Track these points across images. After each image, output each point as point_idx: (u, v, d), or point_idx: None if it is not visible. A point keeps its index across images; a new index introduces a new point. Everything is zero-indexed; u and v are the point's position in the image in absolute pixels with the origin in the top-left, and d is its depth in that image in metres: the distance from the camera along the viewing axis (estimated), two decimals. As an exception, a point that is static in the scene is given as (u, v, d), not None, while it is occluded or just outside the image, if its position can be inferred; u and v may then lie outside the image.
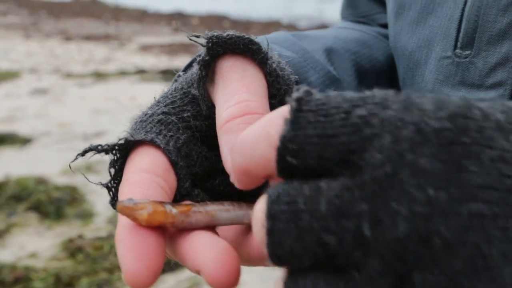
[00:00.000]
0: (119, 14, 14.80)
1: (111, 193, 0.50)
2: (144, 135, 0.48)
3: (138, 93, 6.66)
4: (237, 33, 0.50)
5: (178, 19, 12.90)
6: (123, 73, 8.05)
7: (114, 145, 0.48)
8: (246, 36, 0.50)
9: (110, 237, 3.45)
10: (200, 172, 0.51)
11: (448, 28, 0.60)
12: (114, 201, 0.50)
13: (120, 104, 6.33)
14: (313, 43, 0.72)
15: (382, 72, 0.77)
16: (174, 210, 0.44)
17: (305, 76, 0.65)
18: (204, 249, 0.41)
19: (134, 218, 0.42)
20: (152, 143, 0.48)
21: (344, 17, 0.91)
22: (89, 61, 9.05)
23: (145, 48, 10.16)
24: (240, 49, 0.49)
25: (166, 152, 0.47)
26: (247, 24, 11.90)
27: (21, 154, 4.89)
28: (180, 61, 9.07)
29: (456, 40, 0.59)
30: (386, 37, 0.82)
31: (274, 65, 0.50)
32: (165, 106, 0.52)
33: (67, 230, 3.62)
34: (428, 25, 0.63)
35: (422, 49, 0.64)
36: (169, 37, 10.90)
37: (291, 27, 11.61)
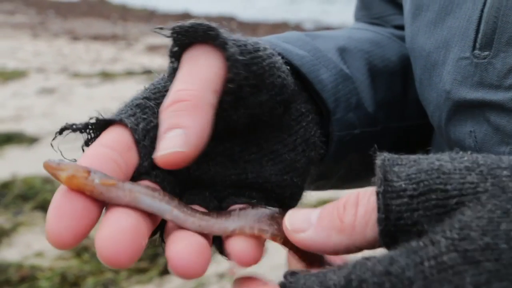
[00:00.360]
0: (127, 14, 14.84)
1: None
2: (117, 115, 0.50)
3: (145, 94, 6.66)
4: (199, 21, 0.52)
5: (185, 19, 12.92)
6: (130, 73, 8.06)
7: (87, 124, 0.51)
8: (205, 23, 0.51)
9: (116, 237, 3.45)
10: None
11: (466, 29, 0.60)
12: None
13: (127, 104, 6.34)
14: (326, 43, 0.72)
15: (395, 72, 0.76)
16: (96, 180, 0.45)
17: (316, 74, 0.65)
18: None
19: (56, 178, 0.45)
20: (121, 123, 0.50)
21: (358, 18, 0.91)
22: (96, 61, 9.07)
23: (153, 49, 10.18)
24: (199, 37, 0.51)
25: (132, 131, 0.50)
26: (254, 26, 11.90)
27: (28, 153, 4.90)
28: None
29: (475, 41, 0.59)
30: (400, 38, 0.82)
31: (232, 50, 0.51)
32: (147, 91, 0.54)
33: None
34: (446, 26, 0.63)
35: (440, 50, 0.63)
36: (176, 37, 10.91)
37: (298, 28, 11.60)
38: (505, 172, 0.38)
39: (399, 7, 0.84)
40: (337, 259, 0.46)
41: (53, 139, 0.51)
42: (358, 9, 0.91)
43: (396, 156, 0.42)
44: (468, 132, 0.59)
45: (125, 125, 0.50)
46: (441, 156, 0.41)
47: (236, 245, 0.47)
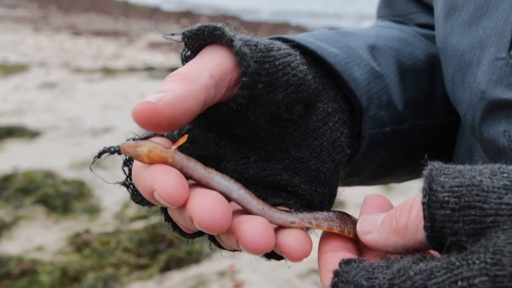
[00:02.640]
0: (129, 10, 14.83)
1: (130, 189, 0.57)
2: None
3: (147, 90, 6.67)
4: (205, 24, 0.55)
5: (187, 17, 12.91)
6: (132, 70, 8.06)
7: None
8: (212, 24, 0.54)
9: (117, 232, 3.46)
10: (207, 155, 0.57)
11: (503, 30, 0.61)
12: (135, 196, 0.57)
13: (128, 100, 6.34)
14: (356, 40, 0.73)
15: (423, 70, 0.78)
16: (172, 147, 0.50)
17: (350, 71, 0.67)
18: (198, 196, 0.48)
19: (136, 155, 0.48)
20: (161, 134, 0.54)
21: (381, 16, 0.91)
22: (98, 57, 9.07)
23: (154, 46, 10.18)
24: (207, 38, 0.54)
25: (171, 137, 0.55)
26: (256, 25, 11.90)
27: (30, 147, 4.90)
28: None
29: (511, 42, 0.59)
30: (425, 36, 0.82)
31: (239, 45, 0.54)
32: None
33: (74, 224, 3.63)
34: (482, 26, 0.64)
35: (475, 50, 0.64)
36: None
37: (299, 28, 11.60)
38: None
39: (423, 5, 0.85)
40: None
41: (92, 163, 0.55)
42: (381, 6, 0.91)
43: (444, 165, 0.45)
44: (502, 132, 0.60)
45: (163, 135, 0.54)
46: (484, 169, 0.44)
47: (289, 237, 0.51)
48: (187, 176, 0.49)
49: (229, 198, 0.51)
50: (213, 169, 0.51)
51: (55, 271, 3.04)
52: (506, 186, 0.42)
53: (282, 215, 0.53)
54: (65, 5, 15.57)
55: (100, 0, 16.39)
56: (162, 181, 0.47)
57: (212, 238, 0.57)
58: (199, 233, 0.57)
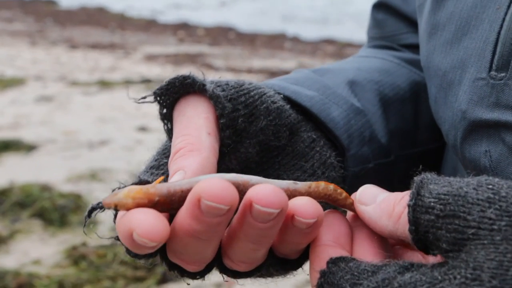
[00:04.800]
0: (125, 23, 14.86)
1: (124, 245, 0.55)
2: (137, 179, 0.56)
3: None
4: (174, 76, 0.57)
5: (183, 29, 12.95)
6: (128, 82, 8.07)
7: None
8: (180, 75, 0.56)
9: (114, 245, 3.45)
10: None
11: (483, 50, 0.61)
12: (129, 250, 0.55)
13: (125, 113, 6.34)
14: (335, 77, 0.74)
15: (406, 99, 0.78)
16: (153, 187, 0.48)
17: (327, 112, 0.67)
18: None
19: (118, 202, 0.47)
20: (146, 181, 0.55)
21: (371, 36, 0.91)
22: (94, 70, 9.08)
23: (151, 58, 10.19)
24: (179, 89, 0.56)
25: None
26: (252, 36, 11.93)
27: (26, 161, 4.90)
28: (185, 71, 9.05)
29: (491, 62, 0.60)
30: (409, 62, 0.83)
31: (211, 88, 0.56)
32: (158, 154, 0.60)
33: (71, 237, 3.63)
34: (463, 46, 0.64)
35: (456, 70, 0.64)
36: (175, 47, 10.93)
37: (296, 39, 11.63)
38: None
39: (413, 25, 0.85)
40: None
41: (84, 225, 0.54)
42: (371, 27, 0.92)
43: (436, 176, 0.47)
44: (483, 152, 0.61)
45: (149, 182, 0.55)
46: (471, 180, 0.45)
47: (299, 199, 0.50)
48: (181, 198, 0.49)
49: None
50: (199, 176, 0.51)
51: (52, 284, 3.04)
52: (490, 199, 0.43)
53: (284, 181, 0.53)
54: (62, 18, 15.60)
55: (96, 13, 16.43)
56: (140, 220, 0.46)
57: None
58: (207, 269, 0.56)
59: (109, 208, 0.48)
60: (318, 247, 0.52)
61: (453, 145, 0.65)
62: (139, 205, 0.47)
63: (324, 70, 0.76)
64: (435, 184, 0.46)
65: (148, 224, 0.46)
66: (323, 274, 0.48)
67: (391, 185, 0.78)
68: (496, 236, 0.42)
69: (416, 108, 0.79)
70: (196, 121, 0.55)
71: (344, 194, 0.54)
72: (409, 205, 0.46)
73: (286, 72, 0.77)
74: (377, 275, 0.45)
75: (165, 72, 8.86)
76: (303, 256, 0.57)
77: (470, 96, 0.61)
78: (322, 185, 0.53)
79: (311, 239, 0.53)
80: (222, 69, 9.26)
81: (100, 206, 0.53)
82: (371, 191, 0.53)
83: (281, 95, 0.62)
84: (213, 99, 0.56)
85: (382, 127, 0.73)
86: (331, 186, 0.54)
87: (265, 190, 0.46)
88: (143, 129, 5.68)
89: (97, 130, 5.74)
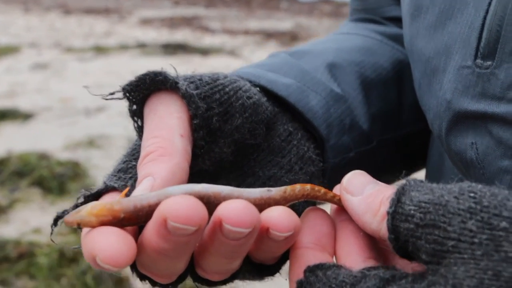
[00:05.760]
0: (119, -13, 14.66)
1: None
2: (103, 185, 0.52)
3: (139, 67, 6.57)
4: (145, 72, 0.52)
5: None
6: (124, 47, 8.00)
7: (76, 205, 0.51)
8: (151, 71, 0.52)
9: (114, 212, 3.46)
10: None
11: (468, 36, 0.56)
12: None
13: (121, 78, 6.24)
14: (314, 60, 0.70)
15: (389, 79, 0.74)
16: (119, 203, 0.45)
17: (305, 101, 0.64)
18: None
19: (81, 220, 0.44)
20: (113, 189, 0.51)
21: (353, 8, 0.87)
22: (89, 35, 8.99)
23: (146, 22, 10.09)
24: (150, 86, 0.52)
25: (122, 190, 0.51)
26: (248, -3, 11.78)
27: (23, 130, 4.88)
28: (181, 34, 8.99)
29: (477, 49, 0.55)
30: (392, 38, 0.79)
31: (184, 87, 0.52)
32: (127, 155, 0.56)
33: (70, 205, 3.62)
34: (447, 31, 0.59)
35: (441, 56, 0.60)
36: (170, 10, 10.82)
37: (292, 0, 11.50)
38: (503, 224, 0.39)
39: None
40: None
41: (51, 233, 0.51)
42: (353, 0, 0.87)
43: (419, 183, 0.44)
44: (469, 144, 0.57)
45: (115, 189, 0.51)
46: (453, 188, 0.42)
47: (273, 211, 0.47)
48: (148, 213, 0.45)
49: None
50: (167, 187, 0.48)
51: (52, 253, 3.04)
52: (471, 209, 0.40)
53: (257, 189, 0.50)
54: (55, -17, 15.39)
55: (89, -22, 16.19)
56: (102, 244, 0.42)
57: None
58: (180, 279, 0.53)
59: (72, 226, 0.45)
60: (297, 249, 0.49)
61: (438, 135, 0.62)
62: (103, 223, 0.44)
63: (302, 52, 0.72)
64: (417, 191, 0.43)
65: (111, 249, 0.42)
66: (299, 284, 0.45)
67: (374, 173, 0.75)
68: (476, 250, 0.39)
69: (399, 89, 0.75)
70: (168, 122, 0.51)
71: (323, 190, 0.51)
72: (388, 212, 0.43)
73: (282, 33, 0.73)
74: (358, 285, 0.42)
75: (161, 36, 8.78)
76: (281, 261, 0.55)
77: (455, 85, 0.57)
78: (297, 188, 0.50)
79: (288, 247, 0.50)
80: (219, 31, 9.17)
81: (65, 215, 0.50)
82: (360, 180, 0.49)
83: (257, 88, 0.59)
84: (186, 98, 0.52)
85: (363, 112, 0.69)
86: (308, 186, 0.50)
87: (235, 209, 0.43)
88: (140, 94, 5.64)
89: (93, 97, 5.66)
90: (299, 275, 0.46)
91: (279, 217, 0.46)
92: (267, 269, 0.55)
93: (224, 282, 0.54)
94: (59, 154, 4.28)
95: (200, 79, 0.54)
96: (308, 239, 0.49)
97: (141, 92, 0.53)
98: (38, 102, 5.54)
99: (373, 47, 0.76)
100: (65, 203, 3.63)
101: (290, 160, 0.60)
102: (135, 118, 0.54)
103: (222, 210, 0.44)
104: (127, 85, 0.53)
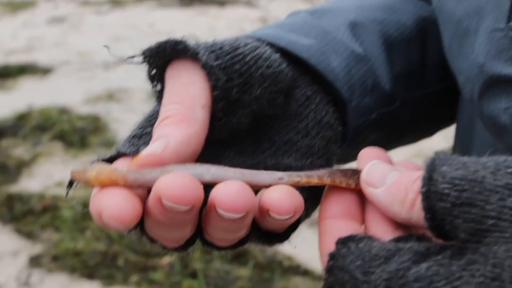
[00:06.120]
0: None
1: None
2: (116, 151, 0.53)
3: (157, 20, 6.57)
4: (165, 40, 0.52)
5: None
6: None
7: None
8: (172, 39, 0.52)
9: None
10: None
11: None
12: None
13: (138, 31, 6.25)
14: (335, 19, 0.68)
15: (412, 38, 0.71)
16: (126, 168, 0.47)
17: (327, 62, 0.62)
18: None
19: (86, 181, 0.47)
20: (125, 155, 0.52)
21: None
22: (105, -12, 8.90)
23: (161, -27, 9.95)
24: (170, 54, 0.52)
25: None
26: None
27: (42, 84, 4.89)
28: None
29: (510, 11, 0.53)
30: None
31: (205, 58, 0.51)
32: (143, 121, 0.56)
33: (92, 158, 3.61)
34: None
35: (472, 18, 0.58)
36: (185, -40, 10.65)
37: None
38: None
39: None
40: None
41: (66, 194, 0.53)
42: None
43: (449, 156, 0.42)
44: (503, 109, 0.55)
45: (127, 155, 0.52)
46: (488, 162, 0.41)
47: (273, 192, 0.47)
48: (150, 187, 0.46)
49: (205, 183, 0.47)
50: (173, 164, 0.48)
51: (76, 205, 3.08)
52: (509, 185, 0.39)
53: (268, 173, 0.49)
54: None
55: None
56: (108, 202, 0.44)
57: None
58: (190, 242, 0.53)
59: (77, 181, 0.48)
60: (326, 219, 0.48)
61: (470, 98, 0.60)
62: (106, 186, 0.46)
63: (323, 11, 0.70)
64: (448, 166, 0.41)
65: (116, 207, 0.44)
66: (333, 257, 0.44)
67: (397, 134, 0.73)
68: None
69: (423, 47, 0.72)
70: (191, 90, 0.51)
71: (344, 185, 0.50)
72: (422, 193, 0.41)
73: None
74: (391, 264, 0.41)
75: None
76: (290, 228, 0.55)
77: (487, 49, 0.55)
78: (314, 182, 0.49)
79: (292, 222, 0.49)
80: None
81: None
82: (379, 169, 0.47)
83: (277, 54, 0.57)
84: (207, 69, 0.51)
85: (386, 73, 0.67)
86: (327, 182, 0.49)
87: (229, 193, 0.44)
88: (157, 47, 5.60)
89: (111, 50, 5.67)
90: (330, 246, 0.45)
91: (279, 199, 0.46)
92: (276, 236, 0.55)
93: (234, 247, 0.54)
94: (79, 108, 4.29)
95: (221, 48, 0.53)
96: (337, 208, 0.49)
97: (160, 58, 0.53)
98: (56, 56, 5.52)
99: (396, 4, 0.73)
100: (86, 157, 3.66)
101: (307, 125, 0.58)
102: (154, 83, 0.54)
103: (216, 193, 0.44)
104: (147, 50, 0.53)
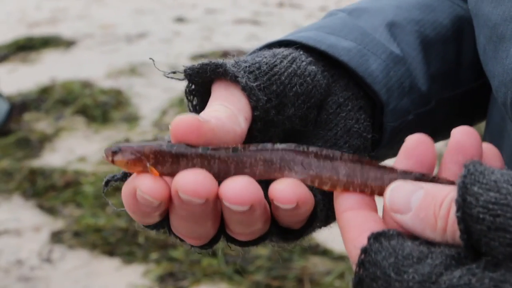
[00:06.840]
0: None
1: None
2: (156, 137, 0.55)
3: (180, -8, 6.51)
4: (207, 61, 0.54)
5: None
6: (164, -29, 7.85)
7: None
8: (213, 62, 0.54)
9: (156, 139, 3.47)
10: None
11: None
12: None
13: (162, 3, 6.20)
14: (373, 19, 0.68)
15: (448, 38, 0.71)
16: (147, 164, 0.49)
17: (366, 65, 0.63)
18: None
19: (116, 164, 0.50)
20: None
21: None
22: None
23: None
24: (209, 74, 0.54)
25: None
26: None
27: (65, 57, 4.89)
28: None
29: None
30: None
31: (244, 80, 0.53)
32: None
33: (114, 133, 3.66)
34: None
35: (508, 23, 0.57)
36: None
37: None
38: None
39: None
40: None
41: (103, 192, 0.55)
42: None
43: (479, 170, 0.42)
44: None
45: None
46: None
47: (279, 183, 0.49)
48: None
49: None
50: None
51: (98, 181, 3.09)
52: None
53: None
54: None
55: None
56: (143, 179, 0.48)
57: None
58: (214, 240, 0.56)
59: (106, 159, 0.52)
60: (344, 213, 0.48)
61: (503, 103, 0.60)
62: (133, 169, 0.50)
63: (360, 10, 0.70)
64: (479, 186, 0.40)
65: (150, 182, 0.48)
66: (365, 251, 0.43)
67: (431, 133, 0.72)
68: None
69: (458, 47, 0.72)
70: (238, 102, 0.53)
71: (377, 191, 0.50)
72: (457, 217, 0.41)
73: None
74: (423, 266, 0.41)
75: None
76: (306, 225, 0.56)
77: None
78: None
79: (304, 217, 0.52)
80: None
81: (115, 179, 0.55)
82: (401, 193, 0.46)
83: (313, 66, 0.58)
84: (247, 91, 0.53)
85: (422, 73, 0.68)
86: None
87: (234, 188, 0.47)
88: (180, 19, 5.56)
89: (134, 23, 5.64)
90: (358, 239, 0.45)
91: (283, 189, 0.48)
92: (292, 233, 0.56)
93: (254, 243, 0.56)
94: (101, 82, 4.29)
95: (259, 68, 0.55)
96: (353, 200, 0.49)
97: (200, 78, 0.55)
98: (79, 28, 5.51)
99: (433, 3, 0.73)
100: (109, 132, 3.66)
101: (336, 134, 0.59)
102: (191, 97, 0.57)
103: (223, 187, 0.47)
104: (189, 69, 0.55)
